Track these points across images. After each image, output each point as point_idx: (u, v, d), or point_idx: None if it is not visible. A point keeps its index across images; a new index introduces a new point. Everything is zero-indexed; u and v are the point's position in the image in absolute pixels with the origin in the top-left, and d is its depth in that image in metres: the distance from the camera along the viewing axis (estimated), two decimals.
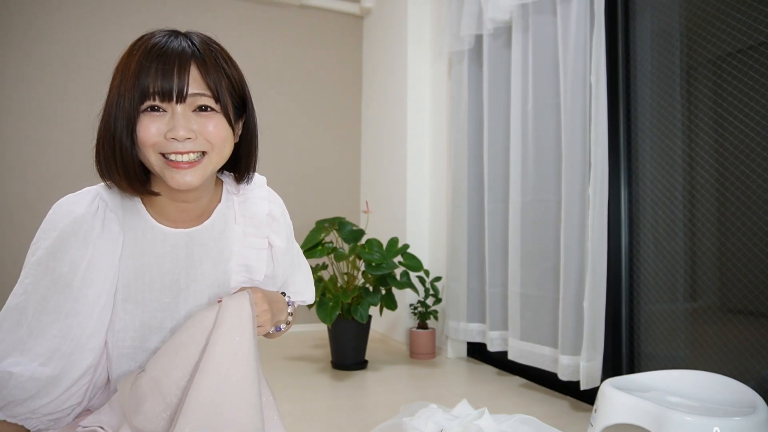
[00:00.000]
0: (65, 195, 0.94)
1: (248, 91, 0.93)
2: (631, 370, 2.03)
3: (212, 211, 0.98)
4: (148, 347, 0.93)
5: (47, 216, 0.89)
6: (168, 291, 0.93)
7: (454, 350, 2.99)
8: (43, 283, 0.85)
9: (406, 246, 2.81)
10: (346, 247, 2.81)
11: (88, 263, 0.86)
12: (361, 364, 2.73)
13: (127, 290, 0.91)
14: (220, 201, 1.00)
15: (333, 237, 2.89)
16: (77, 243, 0.86)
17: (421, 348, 2.96)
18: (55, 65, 3.34)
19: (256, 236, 1.01)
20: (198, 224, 0.96)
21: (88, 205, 0.89)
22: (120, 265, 0.90)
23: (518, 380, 2.52)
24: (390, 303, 2.73)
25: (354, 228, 2.78)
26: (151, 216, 0.93)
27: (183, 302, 0.94)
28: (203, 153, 0.87)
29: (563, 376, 2.07)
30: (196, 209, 0.96)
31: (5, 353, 0.84)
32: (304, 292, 1.18)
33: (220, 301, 0.87)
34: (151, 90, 0.81)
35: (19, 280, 0.88)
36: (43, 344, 0.84)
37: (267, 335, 1.02)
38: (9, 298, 0.87)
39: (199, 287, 0.95)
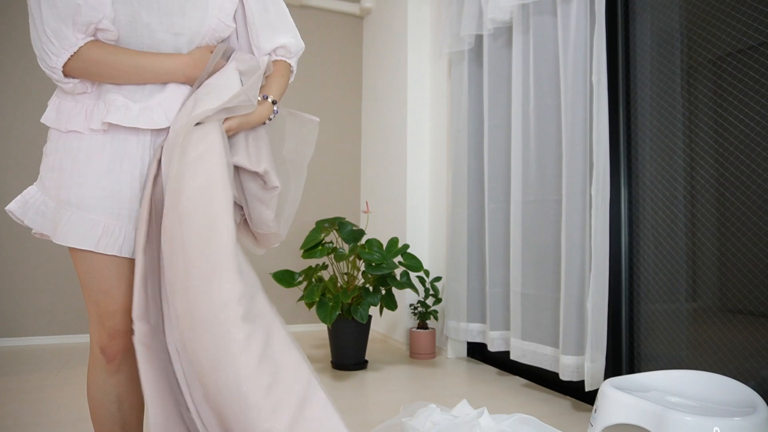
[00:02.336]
0: None
1: None
2: (631, 370, 2.03)
3: None
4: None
5: None
6: None
7: (454, 350, 2.99)
8: None
9: (406, 246, 2.81)
10: (346, 247, 2.81)
11: None
12: (361, 364, 2.73)
13: None
14: None
15: (333, 237, 2.89)
16: None
17: (421, 348, 2.96)
18: None
19: None
20: None
21: None
22: None
23: (518, 380, 2.52)
24: (390, 303, 2.73)
25: (354, 228, 2.79)
26: None
27: (165, 17, 1.11)
28: None
29: (564, 376, 2.07)
30: None
31: None
32: (279, 28, 1.28)
33: None
34: None
35: None
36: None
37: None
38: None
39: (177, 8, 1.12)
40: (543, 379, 2.41)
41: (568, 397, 2.24)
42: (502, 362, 2.70)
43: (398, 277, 2.77)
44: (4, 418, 1.98)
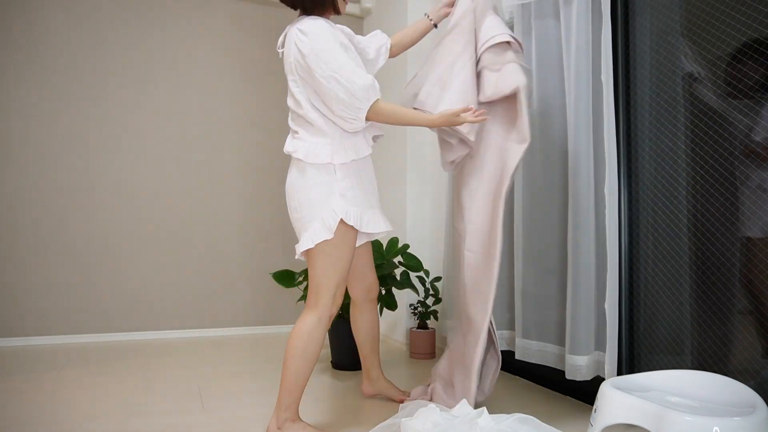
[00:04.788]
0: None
1: None
2: (631, 370, 2.03)
3: None
4: None
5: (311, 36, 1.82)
6: None
7: None
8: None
9: (406, 246, 2.81)
10: None
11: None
12: (361, 364, 2.73)
13: None
14: None
15: None
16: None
17: (421, 348, 2.96)
18: (55, 67, 3.34)
19: None
20: None
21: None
22: None
23: (519, 380, 2.52)
24: (390, 303, 2.73)
25: None
26: None
27: None
28: None
29: (570, 375, 2.04)
30: None
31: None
32: None
33: None
34: None
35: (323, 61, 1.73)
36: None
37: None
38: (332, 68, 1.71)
39: None
40: (544, 378, 2.41)
41: (568, 397, 2.24)
42: (503, 362, 2.69)
43: (398, 277, 2.77)
44: (4, 418, 1.98)
